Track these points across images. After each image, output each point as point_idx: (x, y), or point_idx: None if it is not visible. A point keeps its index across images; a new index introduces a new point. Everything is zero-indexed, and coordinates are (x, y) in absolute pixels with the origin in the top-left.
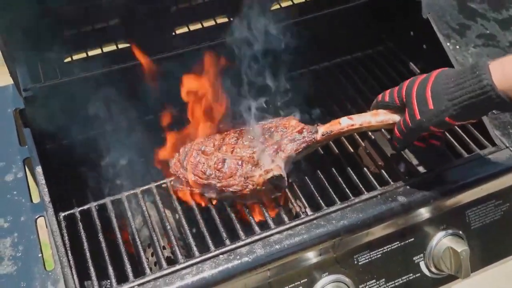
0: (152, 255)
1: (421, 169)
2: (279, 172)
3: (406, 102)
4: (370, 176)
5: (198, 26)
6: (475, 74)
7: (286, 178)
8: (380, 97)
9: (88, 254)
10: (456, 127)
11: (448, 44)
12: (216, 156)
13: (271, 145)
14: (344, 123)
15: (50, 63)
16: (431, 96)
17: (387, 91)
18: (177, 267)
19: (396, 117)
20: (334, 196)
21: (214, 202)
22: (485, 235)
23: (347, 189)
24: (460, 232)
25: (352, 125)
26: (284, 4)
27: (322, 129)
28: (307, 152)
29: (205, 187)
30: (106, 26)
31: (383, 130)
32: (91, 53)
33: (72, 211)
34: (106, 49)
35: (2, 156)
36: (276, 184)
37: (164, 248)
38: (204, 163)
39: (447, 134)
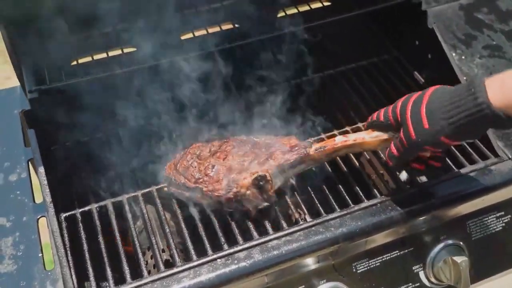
0: (151, 258)
1: (423, 178)
2: (264, 173)
3: (401, 121)
4: (371, 185)
5: (204, 32)
6: (470, 91)
7: (273, 187)
8: (374, 116)
9: (87, 255)
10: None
11: (453, 54)
12: (208, 161)
13: (263, 155)
14: (338, 140)
15: (56, 65)
16: (425, 115)
17: (381, 110)
18: (175, 270)
19: (390, 135)
20: (334, 203)
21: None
22: (486, 247)
23: (347, 197)
24: (461, 243)
25: (346, 141)
26: (289, 12)
27: (316, 145)
28: (302, 170)
29: (193, 190)
30: (113, 30)
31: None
32: (96, 56)
33: (73, 212)
34: (112, 53)
35: (8, 156)
36: (261, 186)
37: (163, 251)
38: (196, 167)
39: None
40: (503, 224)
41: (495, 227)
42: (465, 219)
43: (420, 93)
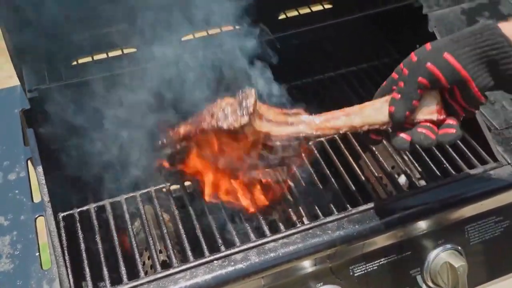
0: (148, 259)
1: (422, 182)
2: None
3: (404, 64)
4: (369, 188)
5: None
6: (479, 21)
7: (255, 106)
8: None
9: (84, 254)
10: (458, 141)
11: None
12: None
13: None
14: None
15: (56, 65)
16: (430, 43)
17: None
18: (171, 271)
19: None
20: (332, 206)
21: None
22: (484, 252)
23: (345, 200)
24: (459, 247)
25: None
26: (290, 14)
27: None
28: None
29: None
30: (114, 31)
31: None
32: (96, 57)
33: (71, 211)
34: (112, 53)
35: (7, 155)
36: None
37: (160, 251)
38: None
39: (449, 149)
40: (502, 229)
41: (494, 232)
42: (463, 224)
43: None
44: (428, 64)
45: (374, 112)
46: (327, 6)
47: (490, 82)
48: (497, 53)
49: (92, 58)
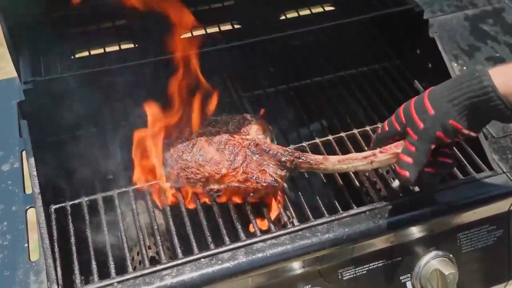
0: (138, 254)
1: (416, 188)
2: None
3: (406, 121)
4: (362, 192)
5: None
6: (474, 75)
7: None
8: (379, 130)
9: (74, 247)
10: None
11: (455, 64)
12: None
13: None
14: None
15: (52, 58)
16: (429, 102)
17: (385, 122)
18: (158, 267)
19: (390, 157)
20: (323, 208)
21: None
22: (476, 260)
23: (336, 203)
24: (450, 255)
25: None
26: (289, 15)
27: (309, 158)
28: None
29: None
30: (112, 26)
31: None
32: (93, 51)
33: (63, 204)
34: (109, 48)
35: (2, 146)
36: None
37: (149, 247)
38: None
39: None
40: (495, 238)
41: (487, 240)
42: (455, 231)
43: (420, 94)
44: (438, 133)
45: (385, 161)
46: (329, 8)
47: (485, 125)
48: (493, 111)
49: (89, 53)
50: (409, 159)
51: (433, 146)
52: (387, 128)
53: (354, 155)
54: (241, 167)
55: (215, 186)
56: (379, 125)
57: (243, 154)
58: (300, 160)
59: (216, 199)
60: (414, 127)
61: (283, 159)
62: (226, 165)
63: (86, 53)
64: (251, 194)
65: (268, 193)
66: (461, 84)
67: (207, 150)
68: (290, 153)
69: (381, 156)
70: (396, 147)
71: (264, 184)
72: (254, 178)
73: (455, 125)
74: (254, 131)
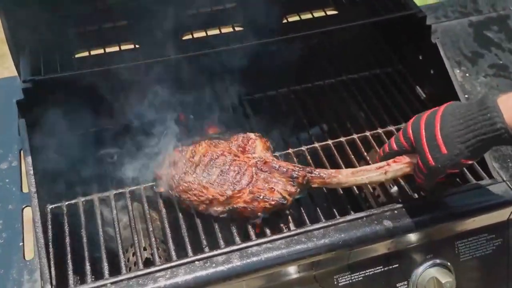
0: (133, 255)
1: (416, 195)
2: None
3: (416, 148)
4: (360, 197)
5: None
6: (486, 116)
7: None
8: (386, 147)
9: (68, 247)
10: None
11: (458, 71)
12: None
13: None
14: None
15: (53, 58)
16: (442, 140)
17: (392, 139)
18: (152, 269)
19: (404, 166)
20: (320, 213)
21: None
22: (474, 269)
23: (333, 208)
24: (448, 263)
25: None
26: (291, 19)
27: (323, 173)
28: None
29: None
30: (113, 26)
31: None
32: (93, 52)
33: (59, 204)
34: (109, 49)
35: (1, 144)
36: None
37: (145, 249)
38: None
39: None
40: (494, 247)
41: (485, 249)
42: (454, 239)
43: (429, 114)
44: (449, 169)
45: (399, 170)
46: (331, 12)
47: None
48: (497, 142)
49: (89, 53)
50: (419, 181)
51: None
52: (395, 147)
53: (367, 166)
54: (247, 187)
55: (219, 208)
56: (380, 130)
57: (249, 173)
58: (312, 175)
59: None
60: (425, 161)
61: (295, 175)
62: (232, 186)
63: (86, 53)
64: (259, 213)
65: (277, 210)
66: (473, 124)
67: (211, 171)
68: (302, 169)
69: (395, 166)
70: (411, 157)
71: (273, 203)
72: (262, 197)
73: (466, 162)
74: (259, 149)
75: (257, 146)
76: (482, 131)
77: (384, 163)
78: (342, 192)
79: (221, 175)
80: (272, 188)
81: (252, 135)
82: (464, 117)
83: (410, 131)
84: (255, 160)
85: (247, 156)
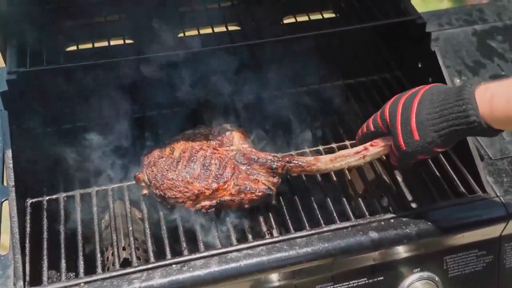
0: (112, 254)
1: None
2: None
3: (391, 130)
4: (347, 206)
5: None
6: (461, 107)
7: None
8: (364, 127)
9: (45, 244)
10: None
11: (458, 80)
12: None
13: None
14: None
15: (40, 50)
16: (416, 127)
17: (369, 120)
18: (128, 270)
19: (382, 149)
20: (305, 221)
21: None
22: (462, 286)
23: (320, 216)
24: (436, 278)
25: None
26: (287, 21)
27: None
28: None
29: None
30: (104, 21)
31: None
32: (81, 46)
33: (40, 198)
34: (98, 44)
35: None
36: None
37: (124, 249)
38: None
39: (437, 174)
40: (484, 264)
41: (475, 266)
42: (442, 254)
43: (409, 96)
44: (420, 156)
45: (377, 154)
46: (327, 15)
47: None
48: (470, 133)
49: (77, 47)
50: (392, 162)
51: (413, 162)
52: (372, 128)
53: (345, 151)
54: (231, 179)
55: (207, 203)
56: None
57: (231, 166)
58: (291, 165)
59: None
60: (397, 145)
61: (274, 165)
62: (216, 179)
63: (74, 48)
64: (246, 205)
65: (263, 202)
66: (448, 114)
67: (193, 166)
68: (280, 159)
69: (372, 149)
70: (387, 140)
71: (259, 194)
72: (247, 189)
73: (438, 150)
74: (237, 141)
75: (234, 137)
76: (456, 122)
77: (361, 147)
78: (329, 200)
79: (203, 169)
80: (256, 179)
81: (228, 126)
82: (440, 106)
83: (387, 113)
84: (233, 153)
85: (225, 149)
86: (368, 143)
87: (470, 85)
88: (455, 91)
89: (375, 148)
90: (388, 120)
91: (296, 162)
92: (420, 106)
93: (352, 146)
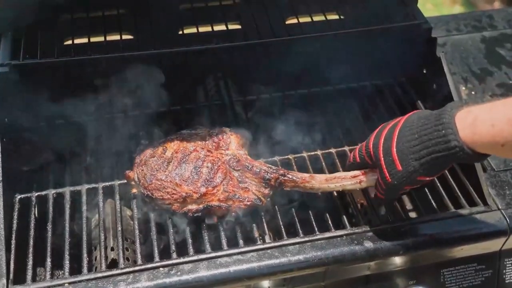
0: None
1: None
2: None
3: (375, 162)
4: (343, 214)
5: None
6: (440, 132)
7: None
8: (351, 158)
9: (31, 241)
10: (449, 177)
11: (463, 88)
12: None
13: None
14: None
15: (35, 44)
16: (397, 156)
17: (356, 150)
18: (114, 272)
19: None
20: (299, 228)
21: None
22: None
23: (314, 224)
24: None
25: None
26: (288, 22)
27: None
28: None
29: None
30: (102, 15)
31: None
32: (77, 41)
33: (29, 194)
34: (94, 39)
35: None
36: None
37: (112, 249)
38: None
39: (438, 185)
40: (483, 279)
41: (473, 280)
42: (439, 267)
43: (392, 125)
44: (406, 186)
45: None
46: (331, 17)
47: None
48: (453, 159)
49: (73, 42)
50: (380, 196)
51: (400, 193)
52: (358, 160)
53: (342, 174)
54: (221, 185)
55: (194, 207)
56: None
57: (223, 170)
58: (285, 178)
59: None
60: (383, 177)
61: (267, 176)
62: (205, 184)
63: (70, 42)
64: (233, 213)
65: (251, 211)
66: (427, 140)
67: (184, 167)
68: (275, 171)
69: (370, 176)
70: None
71: (248, 203)
72: (236, 197)
73: (424, 179)
74: (233, 146)
75: (232, 142)
76: (437, 148)
77: (358, 172)
78: (326, 207)
79: (194, 172)
80: (247, 188)
81: (227, 129)
82: (419, 132)
83: (371, 145)
84: (228, 157)
85: (220, 152)
86: (368, 169)
87: (450, 108)
88: (434, 115)
89: (374, 175)
90: (372, 152)
91: (290, 176)
92: (400, 134)
93: (351, 151)
